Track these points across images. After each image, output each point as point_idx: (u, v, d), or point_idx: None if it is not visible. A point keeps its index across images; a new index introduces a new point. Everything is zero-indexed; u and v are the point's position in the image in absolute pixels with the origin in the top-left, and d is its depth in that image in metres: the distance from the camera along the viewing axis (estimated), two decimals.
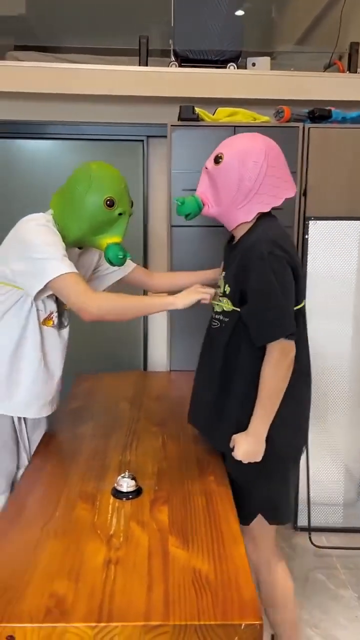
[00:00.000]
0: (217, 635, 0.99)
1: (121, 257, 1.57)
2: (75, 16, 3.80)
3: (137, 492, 1.41)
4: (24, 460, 1.75)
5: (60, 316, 1.70)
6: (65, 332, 1.74)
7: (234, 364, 1.52)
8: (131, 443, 1.73)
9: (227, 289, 1.52)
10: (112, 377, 2.41)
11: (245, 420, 1.48)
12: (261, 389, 1.43)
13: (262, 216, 1.51)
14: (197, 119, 2.33)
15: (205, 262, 2.38)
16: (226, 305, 1.53)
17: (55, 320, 1.67)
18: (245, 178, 1.44)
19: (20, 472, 1.74)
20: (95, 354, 2.98)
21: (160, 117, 2.64)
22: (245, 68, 2.73)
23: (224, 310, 1.54)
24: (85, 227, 1.56)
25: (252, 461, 1.47)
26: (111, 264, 1.59)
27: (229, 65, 2.64)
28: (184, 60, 2.63)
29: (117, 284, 1.87)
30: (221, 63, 2.65)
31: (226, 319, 1.53)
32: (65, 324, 1.74)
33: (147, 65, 2.64)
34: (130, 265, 1.86)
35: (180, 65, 2.64)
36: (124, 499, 1.39)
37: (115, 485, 1.42)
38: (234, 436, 1.49)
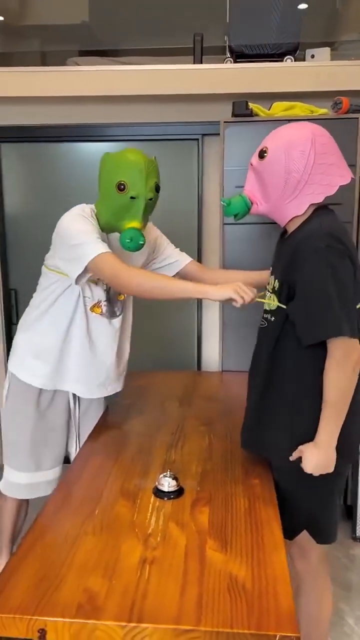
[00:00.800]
0: None
1: (129, 240, 1.57)
2: (133, 19, 3.84)
3: (179, 492, 1.39)
4: (72, 446, 1.82)
5: (111, 305, 1.75)
6: (117, 321, 1.79)
7: (280, 367, 1.45)
8: (177, 442, 1.71)
9: (277, 284, 1.45)
10: (163, 376, 2.40)
11: (296, 427, 1.42)
12: (326, 394, 1.34)
13: (317, 209, 1.44)
14: (251, 114, 2.28)
15: (257, 261, 2.34)
16: (272, 302, 1.47)
17: (104, 308, 1.73)
18: (293, 170, 1.37)
19: (72, 455, 1.85)
20: (149, 353, 2.99)
21: (217, 115, 2.61)
22: (304, 60, 2.65)
23: (270, 308, 1.48)
24: (107, 212, 1.63)
25: (325, 472, 1.37)
26: (123, 247, 1.61)
27: (285, 58, 2.57)
28: (240, 56, 2.59)
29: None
30: (278, 56, 2.58)
31: (272, 318, 1.47)
32: (118, 313, 1.79)
33: (201, 62, 2.62)
34: (185, 260, 1.87)
35: (235, 61, 2.60)
36: (165, 498, 1.37)
37: (157, 484, 1.40)
38: (301, 447, 1.39)
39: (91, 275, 1.60)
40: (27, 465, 1.81)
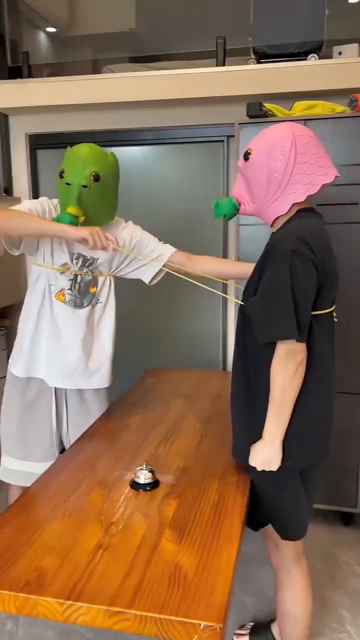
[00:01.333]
0: (177, 631, 0.99)
1: (56, 220, 1.69)
2: (175, 25, 3.91)
3: (154, 484, 1.45)
4: (66, 442, 1.96)
5: (80, 295, 1.85)
6: (84, 312, 1.87)
7: (244, 365, 1.48)
8: (169, 438, 1.76)
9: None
10: (176, 374, 2.46)
11: (253, 426, 1.44)
12: (271, 391, 1.37)
13: (300, 211, 1.44)
14: (265, 115, 2.28)
15: None
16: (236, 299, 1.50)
17: (67, 297, 1.84)
18: (274, 170, 1.39)
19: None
20: (174, 352, 3.05)
21: (241, 116, 2.63)
22: (331, 57, 2.61)
23: (241, 310, 1.50)
24: (59, 201, 1.79)
25: (267, 469, 1.41)
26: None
27: (309, 56, 2.54)
28: (263, 57, 2.59)
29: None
30: (302, 55, 2.56)
31: (240, 315, 1.49)
32: (85, 304, 1.87)
33: (224, 65, 2.65)
34: (169, 251, 1.92)
35: (259, 62, 2.60)
36: (141, 490, 1.43)
37: (134, 476, 1.46)
38: (253, 445, 1.44)
39: (33, 245, 1.79)
40: (16, 452, 1.95)
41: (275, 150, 1.38)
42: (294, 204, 1.42)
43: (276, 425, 1.36)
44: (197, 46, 3.49)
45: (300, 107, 2.42)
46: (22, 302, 3.10)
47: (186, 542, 1.20)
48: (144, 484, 1.44)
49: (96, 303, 1.90)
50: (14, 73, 3.06)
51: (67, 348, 1.86)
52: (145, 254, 1.90)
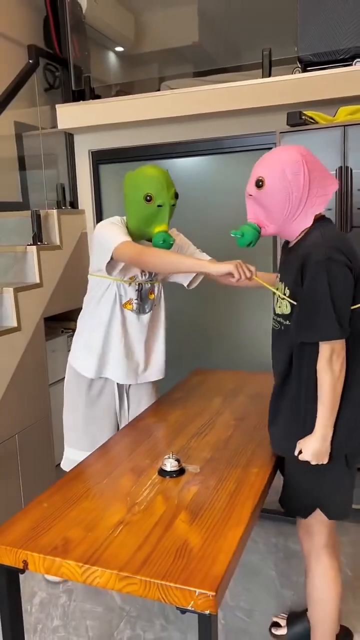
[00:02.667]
0: (176, 596, 1.12)
1: (162, 242, 1.86)
2: (235, 37, 4.02)
3: (180, 472, 1.58)
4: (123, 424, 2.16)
5: (142, 303, 2.02)
6: (145, 317, 2.05)
7: (298, 368, 1.56)
8: (202, 432, 1.89)
9: (287, 292, 1.58)
10: (222, 374, 2.57)
11: (308, 424, 1.54)
12: (320, 389, 1.48)
13: (316, 220, 1.54)
14: (305, 123, 2.35)
15: None
16: (285, 308, 1.58)
17: (135, 305, 2.01)
18: (293, 190, 1.48)
19: None
20: (223, 353, 3.16)
21: (285, 124, 2.70)
22: None
23: (283, 313, 1.60)
24: (137, 221, 1.92)
25: (320, 462, 1.51)
26: (156, 247, 1.88)
27: (355, 61, 2.57)
28: (309, 65, 2.65)
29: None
30: (348, 60, 2.59)
31: (286, 322, 1.58)
32: (147, 310, 2.05)
33: (270, 75, 2.73)
34: (205, 259, 2.02)
35: (305, 70, 2.66)
36: (167, 477, 1.57)
37: (161, 464, 1.61)
38: (299, 441, 1.54)
39: (120, 263, 1.91)
40: (82, 444, 2.12)
41: (289, 172, 1.48)
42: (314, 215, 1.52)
43: (328, 420, 1.47)
44: (255, 57, 3.58)
45: (344, 113, 2.46)
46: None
47: (198, 523, 1.33)
48: (170, 471, 1.58)
49: (153, 308, 2.08)
50: (79, 96, 3.32)
51: (134, 350, 2.06)
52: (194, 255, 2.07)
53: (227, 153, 3.00)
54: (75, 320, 3.39)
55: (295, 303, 1.51)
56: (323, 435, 1.49)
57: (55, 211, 3.05)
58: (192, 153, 3.07)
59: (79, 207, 3.36)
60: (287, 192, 1.49)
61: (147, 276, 2.04)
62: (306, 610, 1.92)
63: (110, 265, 1.91)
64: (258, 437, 1.83)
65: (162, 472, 1.59)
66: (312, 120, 2.41)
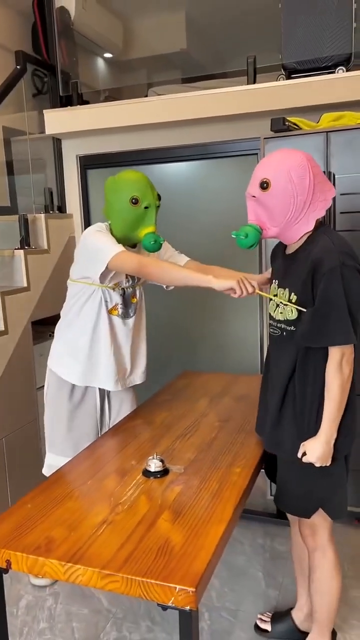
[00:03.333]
0: (157, 593, 1.13)
1: (153, 242, 1.89)
2: (222, 44, 4.06)
3: (164, 472, 1.60)
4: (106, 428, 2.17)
5: (126, 308, 2.04)
6: (130, 321, 2.07)
7: (304, 371, 1.58)
8: (187, 434, 1.91)
9: (294, 298, 1.56)
10: (209, 376, 2.59)
11: (303, 426, 1.58)
12: (329, 392, 1.51)
13: (318, 225, 1.57)
14: (288, 129, 2.39)
15: None
16: (290, 314, 1.58)
17: (120, 310, 2.03)
18: (298, 194, 1.50)
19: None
20: (212, 356, 3.19)
21: (269, 130, 2.74)
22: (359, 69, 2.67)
23: (287, 319, 1.59)
24: (123, 226, 1.92)
25: (324, 464, 1.54)
26: (147, 249, 1.92)
27: (337, 69, 2.62)
28: (292, 72, 2.70)
29: None
30: (331, 68, 2.64)
31: (290, 327, 1.58)
32: (131, 314, 2.07)
33: (254, 82, 2.77)
34: (182, 260, 2.12)
35: (289, 77, 2.71)
36: (151, 477, 1.59)
37: (145, 465, 1.62)
38: (304, 443, 1.56)
39: (112, 272, 1.92)
40: (65, 450, 2.11)
41: (294, 174, 1.50)
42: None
43: (333, 423, 1.51)
44: (242, 63, 3.63)
45: (327, 119, 2.50)
46: None
47: (180, 522, 1.35)
48: (154, 472, 1.60)
49: (136, 312, 2.10)
50: (66, 101, 3.34)
51: (123, 355, 2.07)
52: (165, 259, 2.08)
53: (213, 158, 3.04)
54: None
55: (304, 310, 1.53)
56: (328, 438, 1.52)
57: (42, 215, 3.07)
58: (179, 158, 3.10)
59: (67, 212, 3.37)
60: (292, 195, 1.50)
61: (130, 282, 2.06)
62: (290, 609, 1.95)
63: (103, 274, 1.91)
64: (242, 438, 1.86)
65: (147, 473, 1.60)
66: (295, 127, 2.45)
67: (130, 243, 2.01)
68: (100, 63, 4.45)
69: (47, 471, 2.17)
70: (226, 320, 3.19)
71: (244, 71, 3.17)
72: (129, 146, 3.16)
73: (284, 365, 1.61)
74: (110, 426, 2.16)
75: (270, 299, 1.66)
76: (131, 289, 2.07)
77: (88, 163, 3.30)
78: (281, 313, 1.61)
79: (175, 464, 1.67)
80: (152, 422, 2.03)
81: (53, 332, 3.26)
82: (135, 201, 1.88)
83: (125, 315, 2.05)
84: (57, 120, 3.14)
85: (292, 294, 1.56)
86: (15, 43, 3.78)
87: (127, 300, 2.05)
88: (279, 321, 1.63)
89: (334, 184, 2.33)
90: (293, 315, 1.56)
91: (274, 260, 1.76)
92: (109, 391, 2.16)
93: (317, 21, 2.60)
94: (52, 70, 3.43)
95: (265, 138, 2.43)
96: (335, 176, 2.33)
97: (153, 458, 1.62)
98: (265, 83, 2.71)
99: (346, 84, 2.56)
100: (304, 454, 1.55)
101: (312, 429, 1.56)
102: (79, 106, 3.19)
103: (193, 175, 3.14)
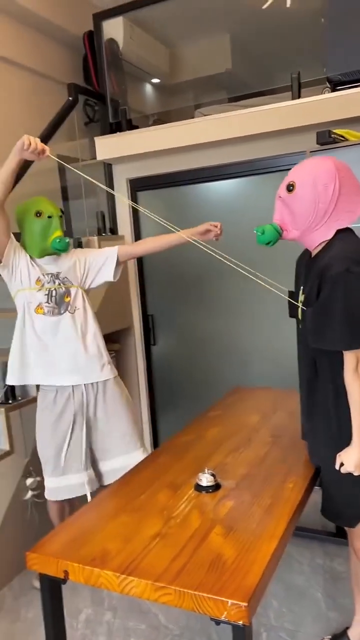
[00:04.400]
0: (209, 607, 1.14)
1: (59, 241, 2.14)
2: (267, 62, 4.11)
3: (216, 487, 1.61)
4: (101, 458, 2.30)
5: (58, 306, 2.20)
6: (64, 317, 2.20)
7: (318, 375, 1.60)
8: (238, 449, 1.90)
9: (302, 297, 1.61)
10: (261, 392, 2.58)
11: (332, 432, 1.57)
12: (350, 398, 1.50)
13: (338, 231, 1.55)
14: (335, 141, 2.38)
15: None
16: (301, 313, 1.61)
17: (46, 309, 2.19)
18: (320, 201, 1.51)
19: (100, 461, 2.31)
20: (263, 370, 3.17)
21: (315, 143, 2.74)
22: None
23: (300, 318, 1.64)
24: (36, 238, 2.17)
25: None
26: (56, 249, 2.16)
27: None
28: (337, 84, 2.69)
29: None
30: None
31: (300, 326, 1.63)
32: (62, 311, 2.21)
33: (299, 97, 2.78)
34: (114, 250, 2.32)
35: (334, 90, 2.70)
36: (203, 492, 1.60)
37: (197, 479, 1.64)
38: (339, 454, 1.56)
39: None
40: (56, 470, 2.25)
41: (319, 182, 1.50)
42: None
43: None
44: (287, 79, 3.65)
45: None
46: (129, 328, 3.45)
47: (232, 536, 1.35)
48: (206, 486, 1.61)
49: (74, 310, 2.22)
50: (116, 127, 3.46)
51: (55, 350, 2.19)
52: (100, 261, 2.32)
53: (260, 174, 3.05)
54: (118, 342, 3.50)
55: (304, 308, 1.57)
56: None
57: (96, 238, 3.17)
58: (226, 176, 3.14)
59: (119, 233, 3.47)
60: (314, 202, 1.52)
61: (50, 279, 2.20)
62: (347, 628, 1.89)
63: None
64: (295, 453, 1.84)
65: (199, 487, 1.62)
66: (342, 138, 2.44)
67: (47, 253, 2.21)
68: (148, 88, 4.59)
69: (49, 495, 2.28)
70: (277, 335, 3.17)
71: (290, 86, 3.19)
72: (177, 167, 3.23)
73: (304, 369, 1.64)
74: (98, 440, 2.29)
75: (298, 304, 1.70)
76: (63, 288, 2.21)
77: (138, 185, 3.39)
78: (301, 317, 1.65)
79: (228, 479, 1.67)
80: (204, 437, 2.04)
81: (110, 350, 3.36)
82: (39, 214, 2.15)
83: (54, 313, 2.19)
84: (107, 146, 3.26)
85: (303, 294, 1.60)
86: (68, 76, 3.96)
87: (57, 299, 2.21)
88: (299, 321, 1.67)
89: None
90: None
91: (299, 265, 1.77)
92: (87, 408, 2.26)
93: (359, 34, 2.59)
94: (102, 99, 3.57)
95: (311, 152, 2.43)
96: None
97: (204, 473, 1.63)
98: (310, 97, 2.71)
99: None
100: (342, 464, 1.53)
101: (344, 436, 1.54)
102: (127, 132, 3.29)
103: (240, 192, 3.17)
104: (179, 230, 2.18)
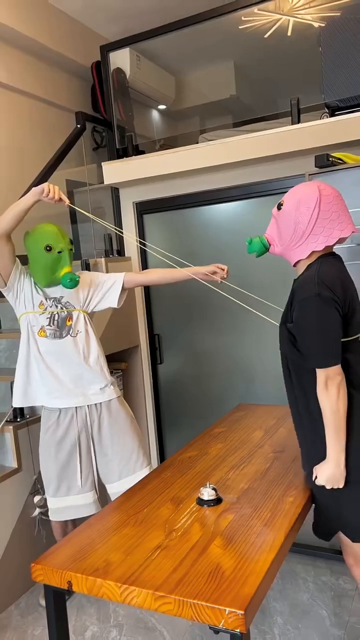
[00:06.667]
0: (208, 615, 1.17)
1: (69, 280, 2.15)
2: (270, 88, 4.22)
3: (217, 501, 1.64)
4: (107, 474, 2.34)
5: (59, 329, 2.25)
6: (66, 341, 2.25)
7: (297, 389, 1.66)
8: (241, 464, 1.94)
9: (281, 321, 1.69)
10: (264, 409, 2.62)
11: (311, 444, 1.63)
12: (323, 415, 1.55)
13: (322, 256, 1.63)
14: (332, 164, 2.45)
15: None
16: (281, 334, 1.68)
17: (48, 332, 2.24)
18: (300, 222, 1.60)
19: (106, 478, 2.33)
20: (272, 388, 3.20)
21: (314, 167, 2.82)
22: None
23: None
24: (43, 271, 2.18)
25: (336, 486, 1.56)
26: (65, 287, 2.17)
27: None
28: (336, 109, 2.78)
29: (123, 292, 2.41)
30: None
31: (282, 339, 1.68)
32: (64, 335, 2.25)
33: (299, 122, 2.87)
34: (120, 277, 2.37)
35: (332, 115, 2.79)
36: (205, 506, 1.63)
37: (199, 494, 1.67)
38: (316, 466, 1.62)
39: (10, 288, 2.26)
40: (60, 490, 2.29)
41: (302, 205, 1.60)
42: (314, 252, 1.63)
43: (336, 445, 1.53)
44: (289, 105, 3.76)
45: None
46: (136, 347, 3.51)
47: (231, 548, 1.38)
48: (207, 500, 1.64)
49: (77, 333, 2.26)
50: (123, 152, 3.57)
51: (58, 372, 2.24)
52: (107, 287, 2.36)
53: (261, 197, 3.13)
54: (124, 361, 3.55)
55: (276, 323, 1.64)
56: (336, 460, 1.54)
57: (103, 259, 3.25)
58: (228, 199, 3.22)
59: (126, 255, 3.56)
60: (295, 221, 1.61)
61: (52, 303, 2.25)
62: None
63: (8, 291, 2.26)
64: (295, 468, 1.87)
65: (200, 501, 1.65)
66: (340, 161, 2.52)
67: (54, 285, 2.27)
68: (155, 114, 4.73)
69: (53, 515, 2.32)
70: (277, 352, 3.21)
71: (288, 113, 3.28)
72: (182, 190, 3.33)
73: (288, 385, 1.70)
74: (97, 462, 2.35)
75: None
76: (65, 312, 2.26)
77: (144, 209, 3.49)
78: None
79: (229, 493, 1.71)
80: (208, 453, 2.07)
81: (115, 369, 3.40)
82: (49, 248, 2.15)
83: (56, 336, 2.24)
84: (113, 171, 3.36)
85: (283, 316, 1.67)
86: (77, 104, 4.11)
87: (59, 323, 2.25)
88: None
89: None
90: (282, 338, 1.67)
91: None
92: (91, 429, 2.32)
93: (356, 59, 2.68)
94: (110, 126, 3.69)
95: (310, 174, 2.51)
96: None
97: (206, 487, 1.67)
98: (309, 122, 2.80)
99: None
100: (317, 477, 1.59)
101: (321, 452, 1.60)
102: (133, 157, 3.40)
103: (243, 214, 3.25)
104: (187, 265, 2.31)
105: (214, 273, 2.30)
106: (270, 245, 1.72)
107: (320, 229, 1.58)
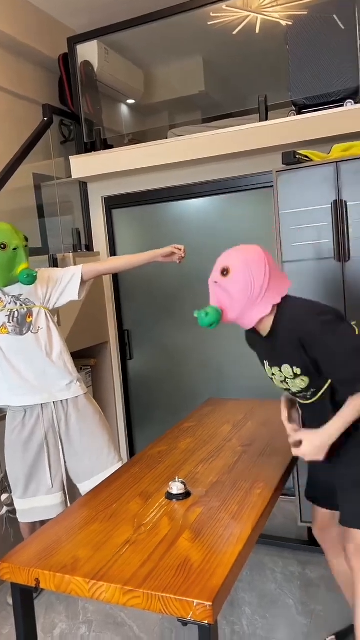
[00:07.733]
0: (176, 608, 1.18)
1: (27, 276, 2.13)
2: (239, 85, 4.25)
3: (185, 495, 1.65)
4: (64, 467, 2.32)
5: (19, 325, 2.22)
6: (28, 337, 2.22)
7: (334, 410, 1.63)
8: (210, 458, 1.96)
9: (298, 370, 1.64)
10: (234, 403, 2.64)
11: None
12: (346, 405, 1.56)
13: (279, 303, 1.65)
14: (299, 162, 2.48)
15: (314, 294, 2.48)
16: (302, 383, 1.66)
17: (10, 328, 2.21)
18: (255, 280, 1.62)
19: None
20: (243, 382, 3.24)
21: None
22: None
23: (302, 388, 1.67)
24: (2, 270, 2.16)
25: (315, 459, 1.58)
26: (23, 283, 2.15)
27: (346, 102, 2.72)
28: (303, 107, 2.81)
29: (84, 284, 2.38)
30: (340, 101, 2.75)
31: (310, 391, 1.67)
32: (25, 331, 2.22)
33: (267, 119, 2.90)
34: (78, 269, 2.34)
35: (299, 113, 2.82)
36: (174, 500, 1.64)
37: (168, 488, 1.68)
38: (302, 432, 1.63)
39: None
40: (28, 491, 2.28)
41: (252, 265, 1.62)
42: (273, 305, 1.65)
43: (340, 427, 1.56)
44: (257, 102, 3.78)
45: (338, 150, 2.59)
46: (106, 343, 3.49)
47: (200, 541, 1.40)
48: (176, 494, 1.65)
49: (38, 330, 2.24)
50: (91, 147, 3.54)
51: (21, 368, 2.22)
52: (66, 281, 2.33)
53: (230, 193, 3.15)
54: (93, 357, 3.53)
55: (311, 375, 1.62)
56: (330, 435, 1.56)
57: (71, 254, 3.22)
58: (198, 194, 3.24)
59: (94, 250, 3.53)
60: (249, 282, 1.61)
61: (11, 300, 2.24)
62: (351, 625, 1.90)
63: None
64: (263, 461, 1.89)
65: (169, 496, 1.66)
66: (306, 159, 2.55)
67: (13, 283, 2.23)
68: (124, 108, 4.69)
69: (21, 517, 2.31)
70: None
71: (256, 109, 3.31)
72: (151, 186, 3.32)
73: (323, 417, 1.64)
74: (67, 461, 2.33)
75: (270, 378, 1.76)
76: (25, 309, 2.24)
77: (113, 203, 3.47)
78: (293, 386, 1.68)
79: (198, 487, 1.72)
80: (177, 448, 2.08)
81: (84, 365, 3.37)
82: (3, 246, 2.13)
83: (17, 332, 2.22)
84: (82, 165, 3.33)
85: (295, 367, 1.63)
86: (44, 97, 4.04)
87: (19, 320, 2.23)
88: (299, 391, 1.69)
89: (346, 212, 2.40)
90: (305, 383, 1.64)
91: (254, 345, 1.84)
92: (59, 419, 2.30)
93: (322, 58, 2.72)
94: (77, 119, 3.65)
95: (277, 171, 2.53)
96: (347, 204, 2.40)
97: (175, 481, 1.68)
98: (276, 120, 2.83)
99: (355, 116, 2.66)
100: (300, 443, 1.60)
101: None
102: (101, 151, 3.38)
103: (212, 210, 3.27)
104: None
105: (172, 254, 2.35)
106: (222, 313, 1.67)
107: (273, 282, 1.63)
